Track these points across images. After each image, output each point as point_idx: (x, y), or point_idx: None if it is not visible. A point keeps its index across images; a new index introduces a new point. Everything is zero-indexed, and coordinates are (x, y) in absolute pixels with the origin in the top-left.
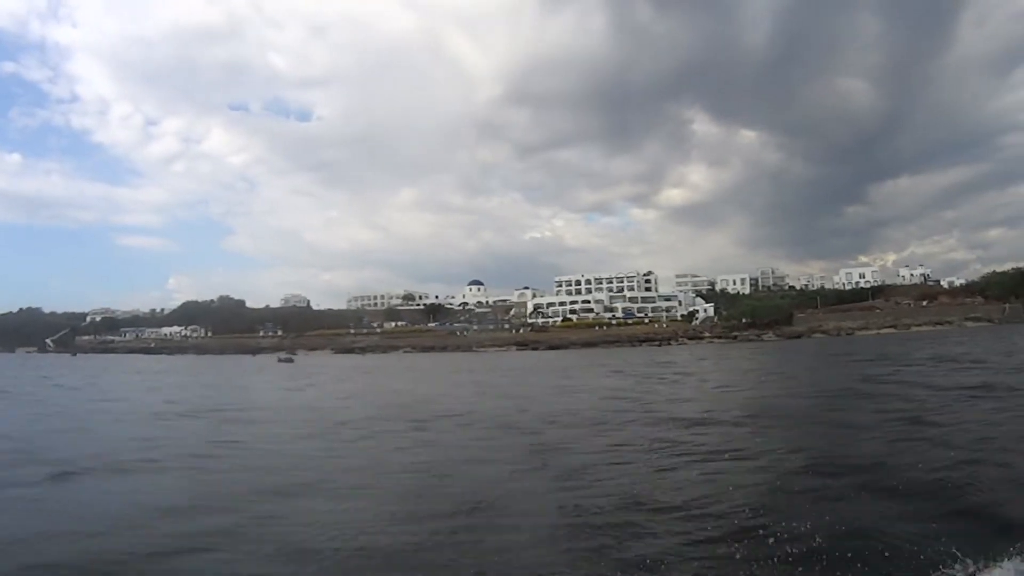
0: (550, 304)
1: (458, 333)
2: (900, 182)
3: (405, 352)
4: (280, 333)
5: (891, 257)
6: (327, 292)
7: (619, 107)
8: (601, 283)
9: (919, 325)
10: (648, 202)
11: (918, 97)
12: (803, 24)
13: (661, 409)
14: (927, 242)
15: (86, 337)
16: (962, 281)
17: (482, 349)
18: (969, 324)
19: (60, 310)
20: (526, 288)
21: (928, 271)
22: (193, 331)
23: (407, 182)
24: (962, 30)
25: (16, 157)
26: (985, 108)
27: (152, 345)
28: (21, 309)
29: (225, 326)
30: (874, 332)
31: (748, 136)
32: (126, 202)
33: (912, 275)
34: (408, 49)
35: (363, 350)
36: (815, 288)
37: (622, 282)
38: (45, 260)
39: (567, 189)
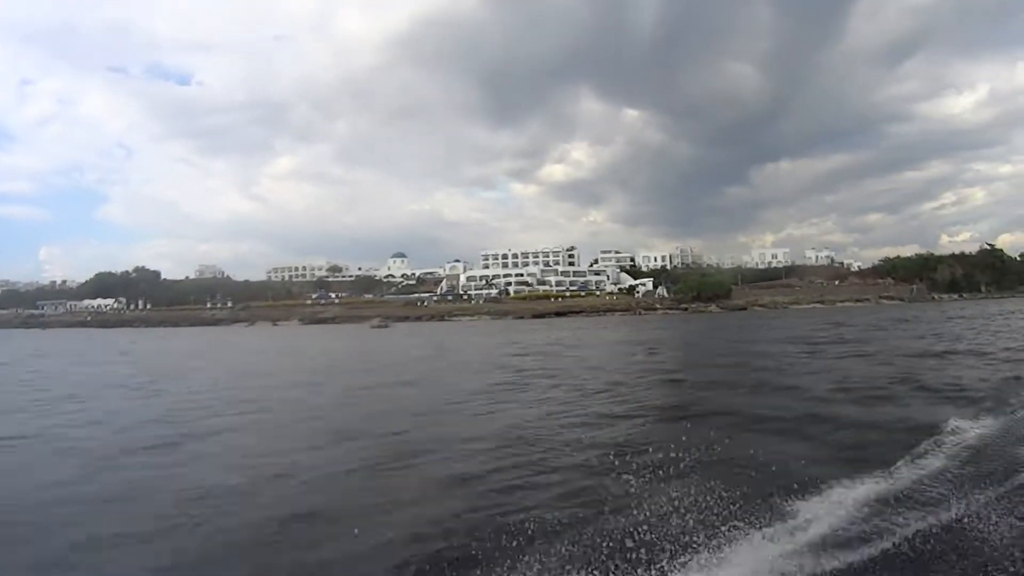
0: (482, 277)
1: (418, 304)
2: (781, 165)
3: (376, 325)
4: (230, 304)
5: (768, 238)
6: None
7: (503, 81)
8: (528, 257)
9: (842, 301)
10: (529, 177)
11: (805, 84)
12: (692, 7)
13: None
14: (804, 224)
15: (4, 311)
16: (859, 264)
17: (453, 319)
18: (884, 301)
19: None
20: (456, 261)
21: (833, 254)
22: (119, 303)
23: (287, 152)
24: (853, 22)
25: None
26: (871, 98)
27: (88, 319)
28: None
29: (148, 298)
30: (806, 306)
31: (632, 115)
32: None
33: (819, 257)
34: (293, 14)
35: (332, 320)
36: (730, 267)
37: (548, 256)
38: None
39: (449, 164)
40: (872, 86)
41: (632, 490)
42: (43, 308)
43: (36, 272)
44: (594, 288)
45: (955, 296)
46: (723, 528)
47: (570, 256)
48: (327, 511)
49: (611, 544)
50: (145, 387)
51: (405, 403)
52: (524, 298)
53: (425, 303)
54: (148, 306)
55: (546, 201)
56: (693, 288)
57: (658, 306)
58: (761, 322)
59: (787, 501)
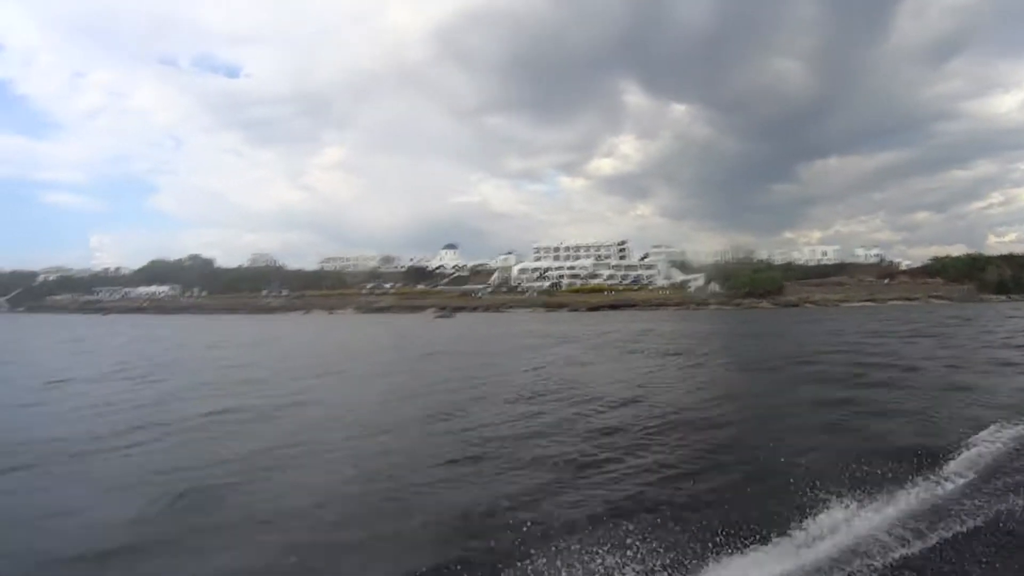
0: (534, 269)
1: (472, 295)
2: (829, 162)
3: (439, 315)
4: (285, 292)
5: (816, 234)
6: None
7: (551, 73)
8: (579, 250)
9: (892, 300)
10: (577, 171)
11: (852, 81)
12: (740, 2)
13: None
14: (852, 221)
15: (60, 296)
16: (907, 263)
17: (508, 310)
18: (934, 301)
19: None
20: (509, 253)
21: (883, 252)
22: (173, 290)
23: (333, 143)
24: (899, 20)
25: None
26: (918, 96)
27: (144, 305)
28: None
29: (202, 285)
30: (856, 304)
31: (679, 109)
32: (48, 157)
33: (868, 255)
34: (339, 5)
35: (387, 309)
36: (780, 263)
37: (599, 250)
38: None
39: (496, 155)
40: (918, 84)
41: None
42: (99, 294)
43: (86, 259)
44: (645, 282)
45: (1003, 297)
46: None
47: (621, 250)
48: None
49: None
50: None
51: None
52: (577, 291)
53: (479, 294)
54: (204, 293)
55: (594, 194)
56: (745, 284)
57: (711, 301)
58: (822, 318)
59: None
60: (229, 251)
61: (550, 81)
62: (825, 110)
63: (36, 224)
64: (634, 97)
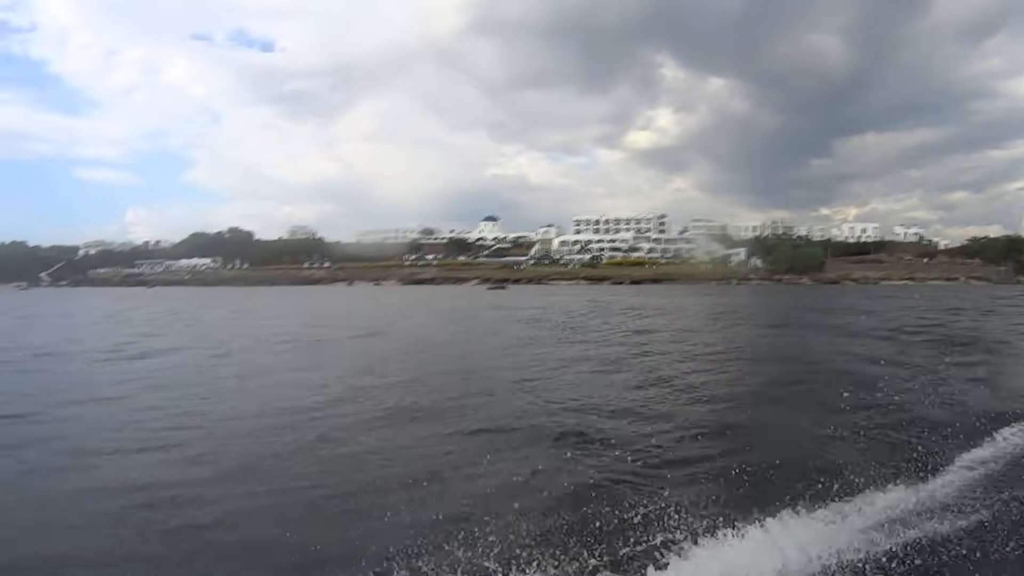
0: (575, 242)
1: (514, 267)
2: (866, 138)
3: (493, 286)
4: (327, 264)
5: (852, 211)
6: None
7: (588, 46)
8: (619, 224)
9: (932, 279)
10: (615, 143)
11: (890, 58)
12: None
13: None
14: (889, 199)
15: (103, 270)
16: (945, 243)
17: (551, 283)
18: (973, 282)
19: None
20: (549, 226)
21: (922, 231)
22: (215, 263)
23: (369, 116)
24: None
25: None
26: (956, 73)
27: (187, 278)
28: (3, 244)
29: (243, 258)
30: (896, 282)
31: (716, 83)
32: (84, 134)
33: (907, 233)
34: None
35: (430, 281)
36: (819, 239)
37: (639, 223)
38: (8, 194)
39: (533, 128)
40: (957, 62)
41: None
42: (140, 268)
43: (122, 234)
44: (685, 256)
45: None
46: None
47: (661, 223)
48: None
49: None
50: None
51: None
52: (618, 264)
53: (521, 266)
54: (245, 265)
55: (631, 167)
56: (787, 260)
57: (752, 276)
58: (871, 294)
59: None
60: (265, 224)
61: (587, 53)
62: (862, 86)
63: (73, 200)
64: (671, 71)
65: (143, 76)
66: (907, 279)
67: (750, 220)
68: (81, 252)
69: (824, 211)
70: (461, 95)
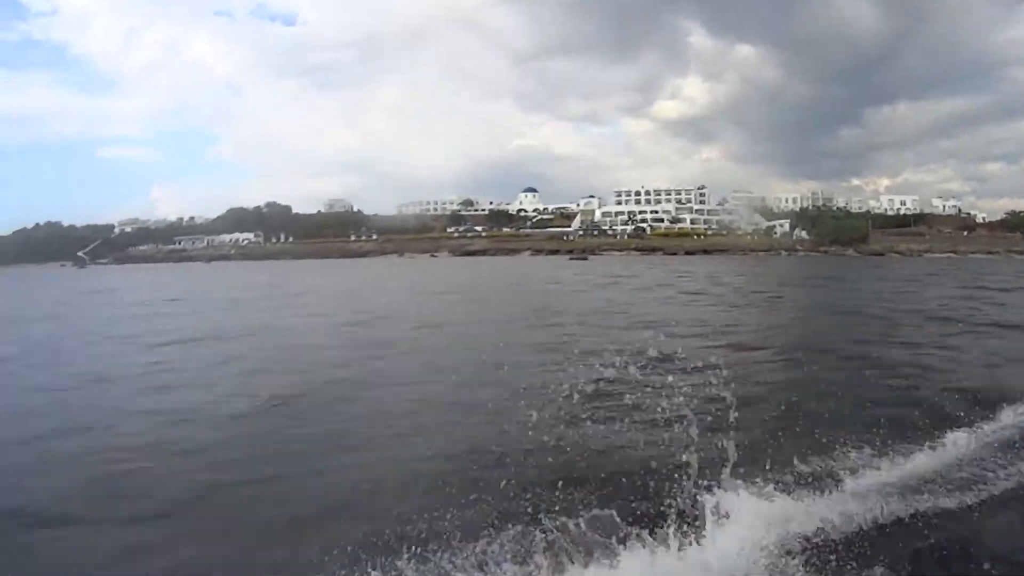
0: (618, 213)
1: (564, 238)
2: (898, 108)
3: (574, 256)
4: (375, 237)
5: (884, 182)
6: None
7: (613, 12)
8: (660, 194)
9: (973, 252)
10: (641, 113)
11: (921, 23)
12: None
13: None
14: (921, 170)
15: (144, 247)
16: (984, 216)
17: (603, 253)
18: (1014, 256)
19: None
20: (591, 197)
21: (960, 204)
22: (257, 237)
23: (393, 87)
24: None
25: None
26: (990, 40)
27: (231, 252)
28: (38, 224)
29: (282, 232)
30: (939, 255)
31: (745, 51)
32: (108, 113)
33: (946, 206)
34: None
35: (481, 252)
36: (858, 211)
37: (679, 194)
38: (34, 175)
39: (558, 97)
40: (991, 28)
41: None
42: (181, 243)
43: (149, 211)
44: (732, 227)
45: None
46: None
47: (701, 194)
48: None
49: None
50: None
51: None
52: (664, 235)
53: (570, 237)
54: (289, 239)
55: (659, 137)
56: (831, 231)
57: (799, 248)
58: (921, 267)
59: None
60: (291, 198)
61: (613, 20)
62: (894, 53)
63: (98, 179)
64: (698, 38)
65: (165, 54)
66: (949, 252)
67: (781, 191)
68: (116, 230)
69: (855, 182)
70: (485, 65)
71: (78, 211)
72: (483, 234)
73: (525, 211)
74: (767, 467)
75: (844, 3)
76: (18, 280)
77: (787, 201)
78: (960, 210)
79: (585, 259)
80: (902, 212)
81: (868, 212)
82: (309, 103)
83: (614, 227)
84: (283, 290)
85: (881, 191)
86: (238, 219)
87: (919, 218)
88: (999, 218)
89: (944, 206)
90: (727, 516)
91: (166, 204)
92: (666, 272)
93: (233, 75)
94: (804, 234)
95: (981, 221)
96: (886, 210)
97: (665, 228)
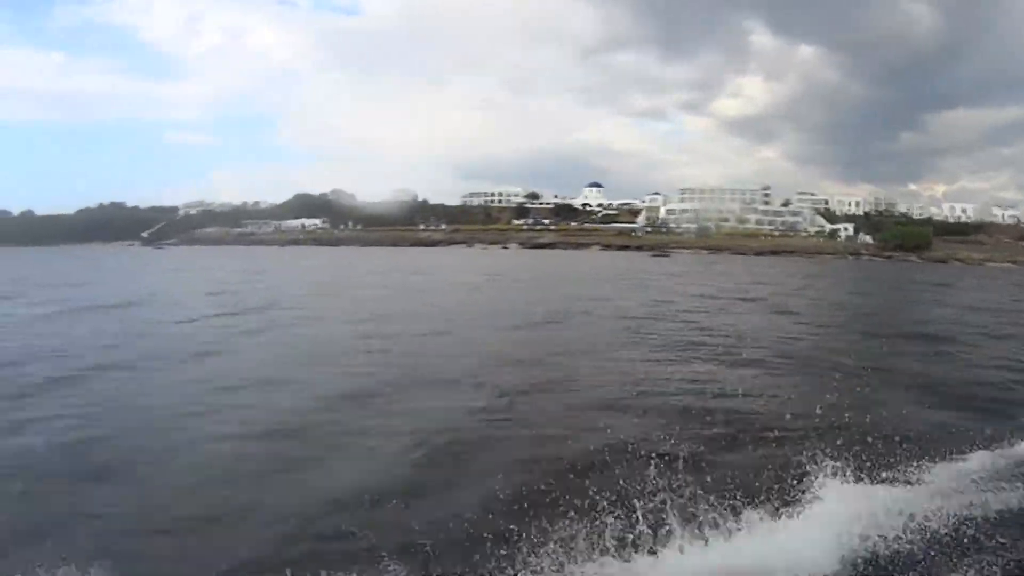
0: (683, 211)
1: (632, 234)
2: (957, 113)
3: (655, 253)
4: (444, 227)
5: (941, 188)
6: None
7: (678, 9)
8: (724, 194)
9: None
10: (701, 110)
11: (983, 28)
12: None
13: None
14: (978, 177)
15: (210, 230)
16: None
17: (673, 251)
18: None
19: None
20: (656, 194)
21: (1019, 214)
22: (325, 223)
23: (456, 79)
24: None
25: (59, 56)
26: None
27: (300, 237)
28: (102, 204)
29: (349, 220)
30: (1000, 264)
31: (806, 51)
32: (169, 98)
33: (1005, 215)
34: None
35: (551, 246)
36: (918, 217)
37: (744, 194)
38: (96, 158)
39: (619, 93)
40: None
41: None
42: (249, 227)
43: (211, 194)
44: (799, 229)
45: None
46: None
47: (765, 195)
48: None
49: None
50: None
51: None
52: (730, 234)
53: (638, 233)
54: (358, 227)
55: (717, 135)
56: (896, 237)
57: (864, 252)
58: (996, 274)
59: None
60: (352, 186)
61: (676, 16)
62: (955, 57)
63: (159, 162)
64: (760, 36)
65: (227, 41)
66: (1009, 262)
67: (839, 192)
68: (181, 212)
69: (912, 187)
70: (547, 58)
71: (139, 193)
72: (551, 227)
73: (590, 205)
74: (863, 458)
75: (907, 6)
76: (132, 257)
77: (849, 205)
78: (1019, 220)
79: (667, 256)
80: (961, 220)
81: (930, 219)
82: (369, 92)
83: (680, 225)
84: (437, 277)
85: (939, 196)
86: (304, 205)
87: (978, 227)
88: None
89: (1003, 215)
90: (820, 500)
91: (227, 188)
92: (751, 276)
93: (293, 62)
94: (868, 238)
95: None
96: (946, 217)
97: (730, 228)
